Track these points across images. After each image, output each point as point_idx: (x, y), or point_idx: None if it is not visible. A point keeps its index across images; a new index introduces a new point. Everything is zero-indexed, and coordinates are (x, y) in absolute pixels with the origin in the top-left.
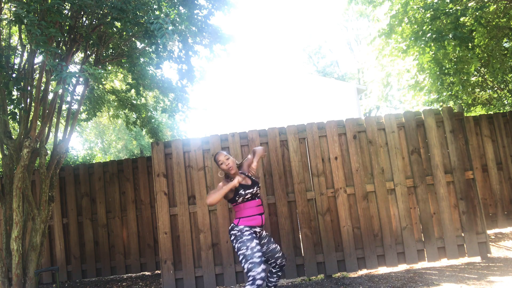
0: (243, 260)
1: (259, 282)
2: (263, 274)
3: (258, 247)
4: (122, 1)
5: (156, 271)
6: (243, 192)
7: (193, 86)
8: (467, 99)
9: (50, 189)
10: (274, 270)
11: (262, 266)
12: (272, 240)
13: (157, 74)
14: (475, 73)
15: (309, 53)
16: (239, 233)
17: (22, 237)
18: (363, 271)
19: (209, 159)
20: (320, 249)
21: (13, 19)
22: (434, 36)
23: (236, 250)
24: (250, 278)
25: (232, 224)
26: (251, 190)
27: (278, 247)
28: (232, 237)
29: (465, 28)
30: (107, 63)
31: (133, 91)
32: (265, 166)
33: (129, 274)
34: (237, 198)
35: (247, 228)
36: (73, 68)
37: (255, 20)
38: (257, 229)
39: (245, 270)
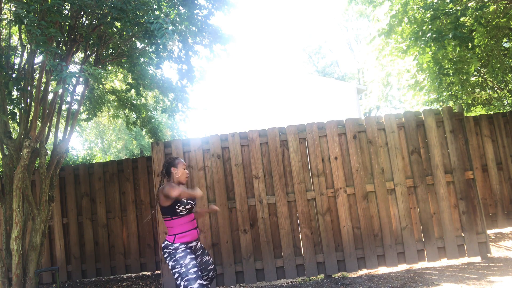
0: (179, 278)
1: None
2: None
3: (193, 262)
4: (122, 1)
5: (156, 271)
6: (185, 201)
7: (193, 86)
8: (466, 99)
9: (50, 189)
10: (204, 283)
11: (199, 281)
12: (206, 252)
13: (157, 74)
14: (475, 73)
15: (309, 53)
16: (173, 251)
17: (22, 237)
18: (363, 271)
19: (209, 159)
20: (320, 249)
21: (13, 19)
22: (434, 36)
23: (170, 268)
24: None
25: (166, 242)
26: (192, 203)
27: (211, 259)
28: (166, 255)
29: (465, 28)
30: (107, 63)
31: (133, 91)
32: (265, 166)
33: (129, 274)
34: (177, 207)
35: (182, 246)
36: (73, 68)
37: (255, 20)
38: (193, 244)
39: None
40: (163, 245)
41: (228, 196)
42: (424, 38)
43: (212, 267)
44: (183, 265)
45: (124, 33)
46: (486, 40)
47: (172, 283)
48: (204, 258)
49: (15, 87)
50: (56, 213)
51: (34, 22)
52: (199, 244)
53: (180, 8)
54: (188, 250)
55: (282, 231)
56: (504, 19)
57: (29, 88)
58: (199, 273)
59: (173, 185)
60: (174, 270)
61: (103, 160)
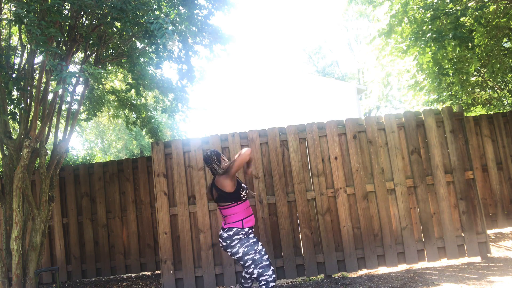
0: (252, 265)
1: (271, 284)
2: (274, 276)
3: (264, 249)
4: (122, 1)
5: (156, 271)
6: (244, 186)
7: (193, 86)
8: (466, 99)
9: (50, 189)
10: (247, 276)
11: (272, 268)
12: None
13: (157, 74)
14: (475, 73)
15: (309, 53)
16: (245, 236)
17: (22, 237)
18: (363, 271)
19: None
20: (320, 249)
21: (13, 19)
22: (434, 36)
23: (241, 254)
24: (263, 283)
25: (235, 229)
26: (247, 188)
27: None
28: (236, 241)
29: (465, 28)
30: (107, 63)
31: (133, 91)
32: (265, 166)
33: (129, 274)
34: (241, 191)
35: (251, 230)
36: (73, 68)
37: (255, 20)
38: (253, 229)
39: (255, 275)
40: (232, 232)
41: None
42: (424, 38)
43: None
44: (257, 251)
45: (124, 33)
46: (486, 40)
47: (172, 283)
48: None
49: (15, 87)
50: (56, 213)
51: (34, 22)
52: None
53: (180, 8)
54: (255, 236)
55: (282, 231)
56: (504, 19)
57: (29, 88)
58: (269, 259)
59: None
60: (247, 257)
61: (103, 160)
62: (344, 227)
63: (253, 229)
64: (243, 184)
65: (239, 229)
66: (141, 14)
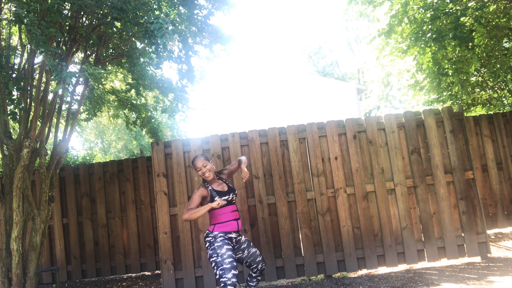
0: (215, 267)
1: (230, 287)
2: (234, 280)
3: (229, 253)
4: (122, 1)
5: (156, 271)
6: (217, 199)
7: (193, 86)
8: (466, 99)
9: (50, 189)
10: (254, 275)
11: (233, 272)
12: (252, 244)
13: (157, 74)
14: (475, 73)
15: (309, 53)
16: (213, 240)
17: (22, 237)
18: (363, 271)
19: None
20: (320, 249)
21: (13, 19)
22: (434, 36)
23: (208, 256)
24: (222, 285)
25: (207, 231)
26: (227, 197)
27: (258, 251)
28: (207, 244)
29: (465, 28)
30: (107, 63)
31: (133, 91)
32: (265, 166)
33: (129, 274)
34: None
35: (221, 235)
36: (73, 68)
37: (255, 20)
38: (233, 235)
39: (217, 276)
40: (205, 234)
41: None
42: (424, 38)
43: (260, 258)
44: (219, 255)
45: (124, 33)
46: (486, 40)
47: (172, 283)
48: (251, 250)
49: (15, 87)
50: (56, 213)
51: (34, 22)
52: (243, 238)
53: (180, 8)
54: (226, 241)
55: (282, 231)
56: (504, 19)
57: (29, 88)
58: (234, 263)
59: (192, 198)
60: (211, 259)
61: (103, 160)
62: (344, 227)
63: (229, 235)
64: (216, 198)
65: (209, 232)
66: (141, 14)
